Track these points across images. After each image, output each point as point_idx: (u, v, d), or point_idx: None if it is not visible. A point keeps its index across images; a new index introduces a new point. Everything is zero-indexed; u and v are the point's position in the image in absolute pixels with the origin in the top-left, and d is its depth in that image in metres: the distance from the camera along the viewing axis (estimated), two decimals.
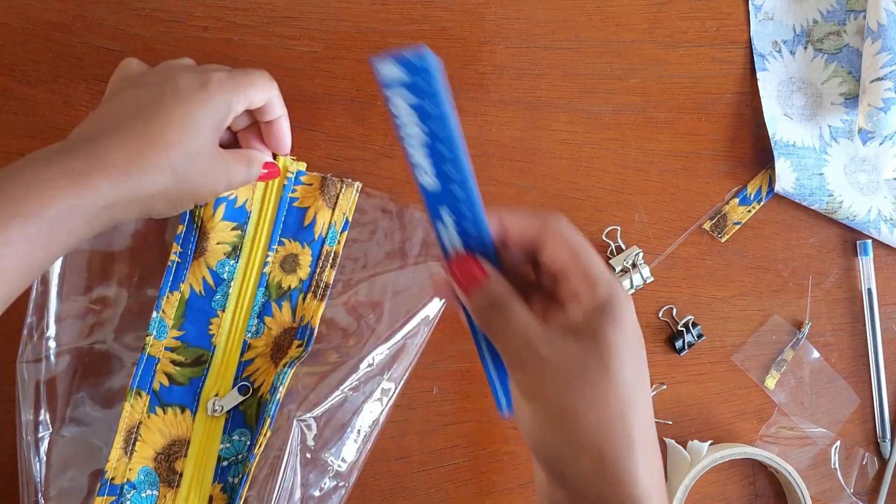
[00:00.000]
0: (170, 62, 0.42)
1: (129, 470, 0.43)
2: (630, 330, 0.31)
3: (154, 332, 0.45)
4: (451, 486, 0.49)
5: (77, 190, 0.33)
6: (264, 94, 0.41)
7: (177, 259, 0.45)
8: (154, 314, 0.45)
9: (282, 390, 0.44)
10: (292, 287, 0.47)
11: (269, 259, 0.46)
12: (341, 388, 0.46)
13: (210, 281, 0.46)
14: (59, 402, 0.44)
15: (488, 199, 0.50)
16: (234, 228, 0.46)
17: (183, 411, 0.45)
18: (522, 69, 0.52)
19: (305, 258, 0.47)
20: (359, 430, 0.46)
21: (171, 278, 0.45)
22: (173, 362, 0.45)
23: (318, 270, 0.47)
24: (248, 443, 0.45)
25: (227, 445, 0.45)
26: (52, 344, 0.44)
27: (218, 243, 0.46)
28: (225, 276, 0.46)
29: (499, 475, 0.50)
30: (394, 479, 0.49)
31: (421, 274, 0.48)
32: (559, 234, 0.32)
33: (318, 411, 0.45)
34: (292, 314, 0.47)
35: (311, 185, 0.48)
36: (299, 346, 0.46)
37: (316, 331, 0.46)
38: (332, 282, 0.47)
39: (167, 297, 0.45)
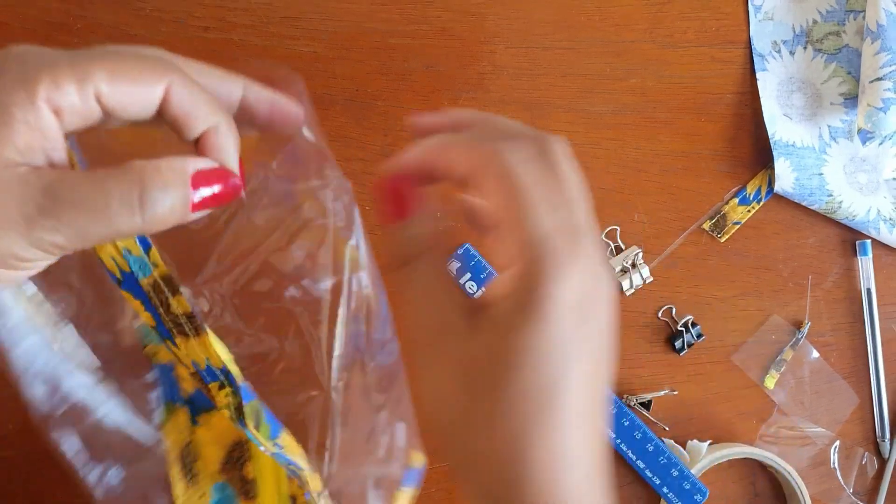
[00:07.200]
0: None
1: (202, 495, 0.36)
2: (558, 323, 0.22)
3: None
4: (452, 485, 0.49)
5: None
6: (135, 88, 0.23)
7: None
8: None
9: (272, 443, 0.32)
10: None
11: None
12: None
13: None
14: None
15: None
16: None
17: None
18: (522, 69, 0.52)
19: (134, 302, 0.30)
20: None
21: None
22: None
23: (160, 311, 0.30)
24: None
25: None
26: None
27: None
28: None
29: None
30: None
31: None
32: (497, 173, 0.23)
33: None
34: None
35: None
36: (221, 386, 0.31)
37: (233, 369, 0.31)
38: (191, 309, 0.30)
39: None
